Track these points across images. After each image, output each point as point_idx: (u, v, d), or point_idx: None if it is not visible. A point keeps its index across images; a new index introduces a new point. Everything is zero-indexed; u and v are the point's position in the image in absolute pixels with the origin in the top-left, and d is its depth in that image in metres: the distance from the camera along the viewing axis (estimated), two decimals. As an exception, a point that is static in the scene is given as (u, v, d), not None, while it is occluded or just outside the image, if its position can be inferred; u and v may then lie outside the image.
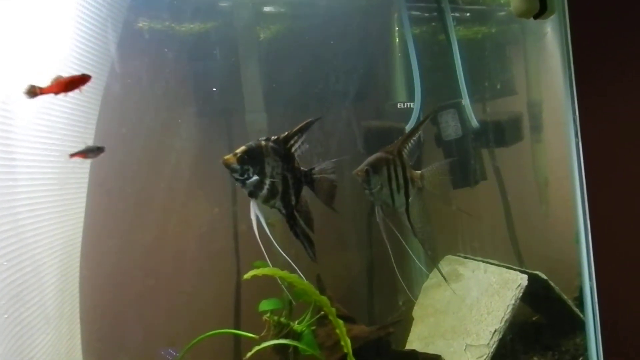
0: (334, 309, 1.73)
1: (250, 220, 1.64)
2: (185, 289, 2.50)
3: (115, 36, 2.12)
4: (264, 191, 1.58)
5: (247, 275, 1.60)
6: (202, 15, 2.46)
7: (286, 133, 1.64)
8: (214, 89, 2.49)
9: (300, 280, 1.61)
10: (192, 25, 2.44)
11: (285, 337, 2.00)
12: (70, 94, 1.44)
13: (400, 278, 1.99)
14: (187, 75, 2.48)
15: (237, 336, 2.42)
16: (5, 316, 1.33)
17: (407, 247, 2.03)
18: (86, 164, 2.10)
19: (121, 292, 2.34)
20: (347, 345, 1.70)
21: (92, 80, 2.01)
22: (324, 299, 1.70)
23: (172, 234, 2.52)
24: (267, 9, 2.56)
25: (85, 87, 1.98)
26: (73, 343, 1.97)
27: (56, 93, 1.39)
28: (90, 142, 2.16)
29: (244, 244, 2.53)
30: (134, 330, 2.32)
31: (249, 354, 1.67)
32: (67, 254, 1.94)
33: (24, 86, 1.38)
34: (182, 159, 2.47)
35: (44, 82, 1.42)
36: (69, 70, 1.86)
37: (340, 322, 1.73)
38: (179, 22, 2.42)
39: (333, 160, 1.74)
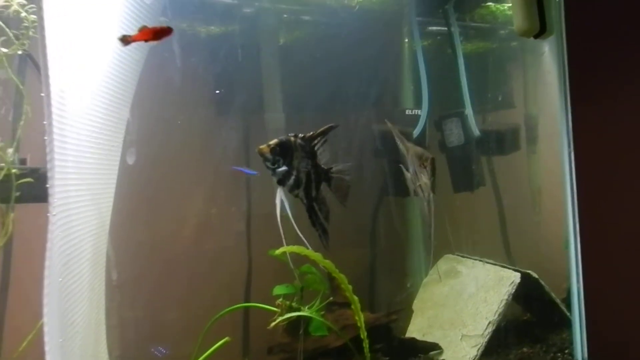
0: (350, 287, 1.89)
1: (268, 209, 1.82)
2: (200, 278, 2.64)
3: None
4: (291, 181, 1.75)
5: (278, 251, 1.76)
6: (227, 19, 2.64)
7: (311, 133, 1.82)
8: (217, 91, 2.67)
9: (322, 258, 1.78)
10: (217, 29, 2.62)
11: (296, 320, 2.17)
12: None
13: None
14: (211, 75, 2.64)
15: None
16: (60, 279, 1.48)
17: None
18: (117, 154, 2.26)
19: (140, 276, 2.48)
20: (360, 320, 1.87)
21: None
22: (342, 276, 1.87)
23: (189, 225, 2.68)
24: (287, 16, 2.74)
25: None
26: (100, 316, 2.11)
27: (145, 40, 1.59)
28: (122, 134, 2.33)
29: (255, 239, 2.69)
30: (148, 310, 2.47)
31: (272, 324, 1.83)
32: (100, 233, 2.09)
33: (119, 36, 1.63)
34: (202, 153, 2.64)
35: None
36: (110, 66, 2.05)
37: (356, 298, 1.90)
38: (206, 25, 2.59)
39: (349, 164, 1.94)
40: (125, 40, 1.62)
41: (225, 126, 2.69)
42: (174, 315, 2.54)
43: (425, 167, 2.07)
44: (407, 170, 2.17)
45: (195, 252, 2.67)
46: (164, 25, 1.63)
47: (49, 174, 1.39)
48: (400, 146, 2.22)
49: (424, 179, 2.06)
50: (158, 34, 1.60)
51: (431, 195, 2.06)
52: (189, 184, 2.65)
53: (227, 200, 2.75)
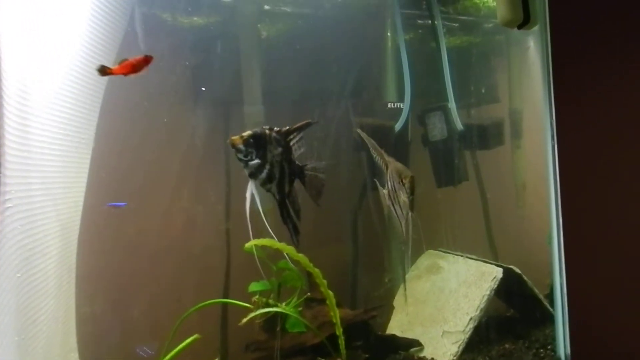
0: (325, 282, 1.84)
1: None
2: (175, 273, 2.58)
3: (123, 25, 2.21)
4: (263, 174, 1.69)
5: (247, 245, 1.71)
6: (206, 10, 2.57)
7: (287, 128, 1.77)
8: (203, 89, 2.60)
9: (295, 252, 1.73)
10: (197, 19, 2.55)
11: (273, 317, 2.11)
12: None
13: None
14: (189, 67, 2.58)
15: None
16: (18, 275, 1.42)
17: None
18: (90, 143, 2.19)
19: (114, 270, 2.42)
20: (335, 315, 1.82)
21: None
22: (316, 270, 1.82)
23: (164, 219, 2.61)
24: (268, 7, 2.68)
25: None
26: (69, 314, 2.04)
27: (125, 74, 1.54)
28: (94, 124, 2.26)
29: (235, 235, 2.63)
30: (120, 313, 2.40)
31: (244, 320, 1.77)
32: (68, 229, 2.02)
33: (96, 65, 1.58)
34: (180, 146, 2.57)
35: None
36: (80, 55, 1.97)
37: (331, 293, 1.85)
38: (187, 15, 2.52)
39: (324, 162, 1.88)
40: (104, 71, 1.56)
41: (202, 119, 2.63)
42: (151, 312, 2.48)
43: (403, 185, 1.93)
44: (383, 187, 2.06)
45: (175, 248, 2.60)
46: (144, 55, 1.56)
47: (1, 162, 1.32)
48: (378, 160, 2.11)
49: (403, 196, 1.94)
50: (137, 66, 1.55)
51: (409, 214, 1.94)
52: (167, 178, 2.58)
53: (206, 195, 2.69)
